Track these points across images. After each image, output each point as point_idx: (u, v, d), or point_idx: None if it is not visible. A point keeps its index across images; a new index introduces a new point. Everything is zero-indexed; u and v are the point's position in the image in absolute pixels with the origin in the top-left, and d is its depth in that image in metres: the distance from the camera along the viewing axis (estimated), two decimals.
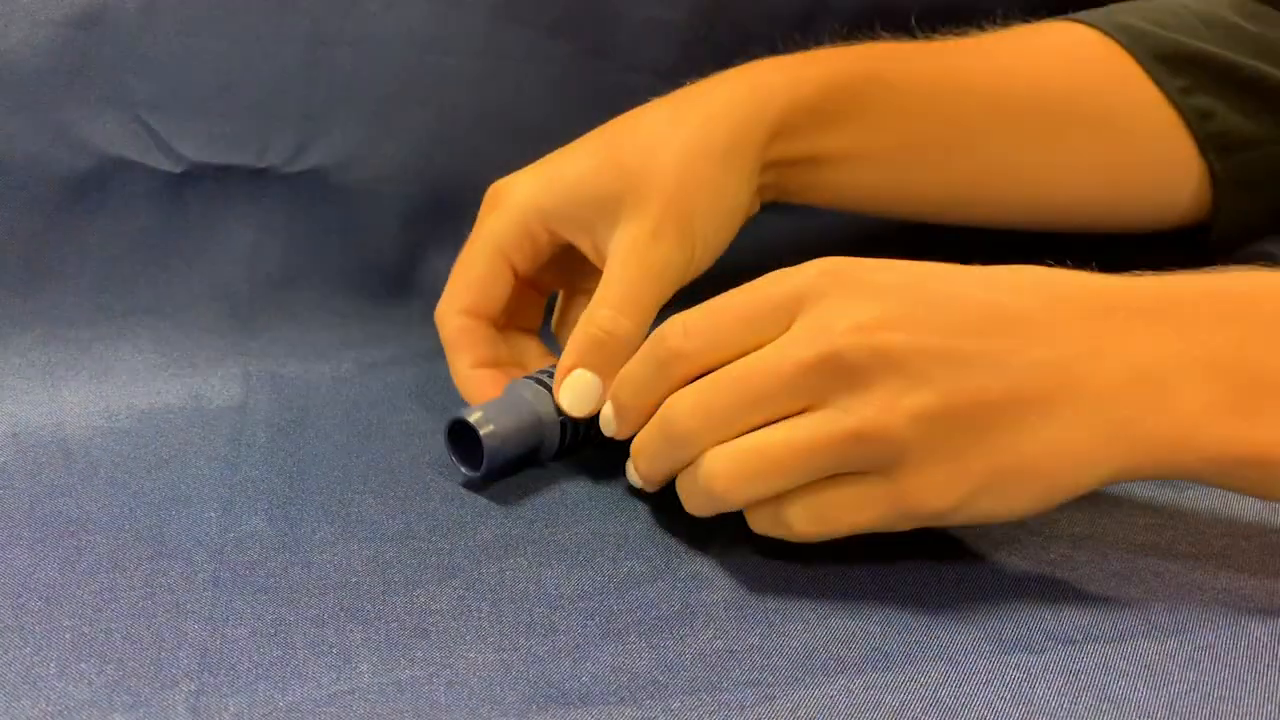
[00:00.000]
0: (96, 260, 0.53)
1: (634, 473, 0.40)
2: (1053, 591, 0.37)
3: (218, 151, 0.53)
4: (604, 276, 0.42)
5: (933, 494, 0.34)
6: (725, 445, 0.35)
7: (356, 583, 0.38)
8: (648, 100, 0.47)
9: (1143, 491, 0.41)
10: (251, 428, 0.48)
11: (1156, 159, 0.51)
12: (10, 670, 0.34)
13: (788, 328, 0.35)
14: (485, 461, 0.41)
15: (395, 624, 0.36)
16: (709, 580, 0.38)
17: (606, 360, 0.41)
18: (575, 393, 0.41)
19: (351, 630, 0.36)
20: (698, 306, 0.37)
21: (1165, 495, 0.41)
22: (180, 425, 0.48)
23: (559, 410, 0.42)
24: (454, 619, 0.36)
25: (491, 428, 0.41)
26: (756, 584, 0.37)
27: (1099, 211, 0.53)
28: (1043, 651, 0.34)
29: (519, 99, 0.56)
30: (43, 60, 0.50)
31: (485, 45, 0.53)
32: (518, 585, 0.38)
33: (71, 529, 0.41)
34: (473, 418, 0.41)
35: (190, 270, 0.54)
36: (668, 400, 0.37)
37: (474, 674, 0.34)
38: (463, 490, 0.43)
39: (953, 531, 0.39)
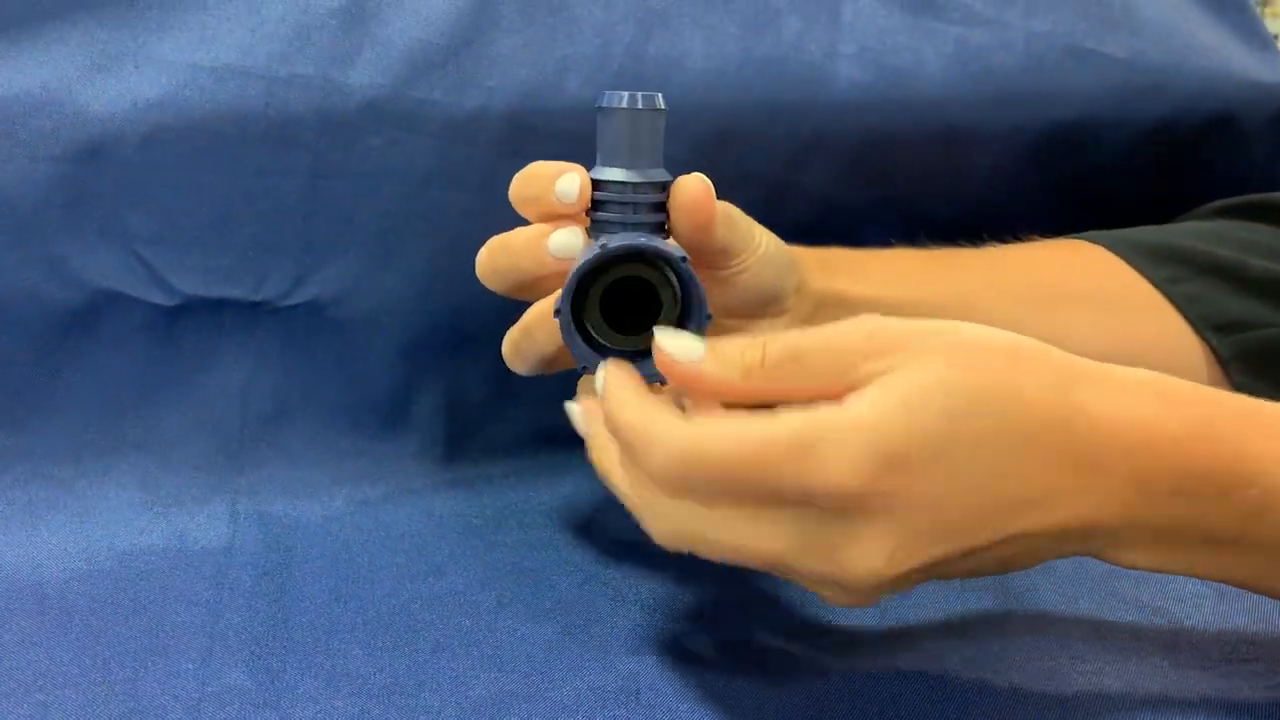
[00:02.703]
0: (84, 395, 0.51)
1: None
2: None
3: (213, 285, 0.52)
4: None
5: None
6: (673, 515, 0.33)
7: None
8: None
9: None
10: (236, 570, 0.46)
11: (1155, 336, 0.53)
12: None
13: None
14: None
15: None
16: None
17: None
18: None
19: None
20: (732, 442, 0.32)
21: None
22: (162, 568, 0.46)
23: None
24: None
25: None
26: None
27: None
28: None
29: None
30: (40, 194, 0.50)
31: (486, 180, 0.53)
32: None
33: (40, 682, 0.38)
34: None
35: (180, 405, 0.52)
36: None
37: None
38: (455, 640, 0.41)
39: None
